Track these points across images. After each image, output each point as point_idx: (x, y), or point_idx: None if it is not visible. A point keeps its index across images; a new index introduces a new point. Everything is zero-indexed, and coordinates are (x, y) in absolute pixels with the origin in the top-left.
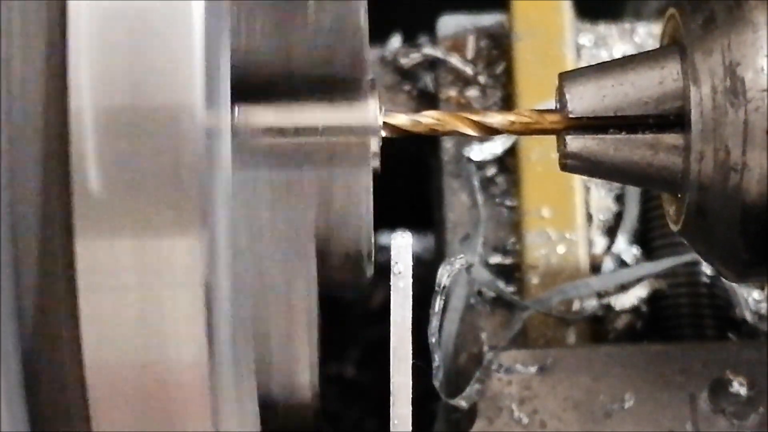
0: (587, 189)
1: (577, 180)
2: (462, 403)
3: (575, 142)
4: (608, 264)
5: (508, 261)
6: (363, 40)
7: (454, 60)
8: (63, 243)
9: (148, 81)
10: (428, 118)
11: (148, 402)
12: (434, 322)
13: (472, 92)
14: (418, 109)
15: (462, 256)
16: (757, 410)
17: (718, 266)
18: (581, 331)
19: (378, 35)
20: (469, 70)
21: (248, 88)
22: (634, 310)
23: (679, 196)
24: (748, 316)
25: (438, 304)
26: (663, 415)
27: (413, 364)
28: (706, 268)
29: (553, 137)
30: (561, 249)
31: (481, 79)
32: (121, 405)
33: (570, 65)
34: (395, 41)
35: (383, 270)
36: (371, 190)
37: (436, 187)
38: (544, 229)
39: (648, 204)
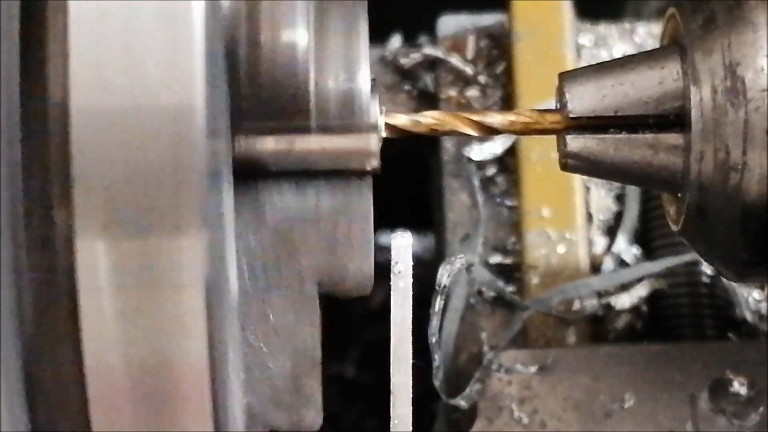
0: (587, 189)
1: (577, 180)
2: (462, 403)
3: (575, 142)
4: (608, 264)
5: (508, 261)
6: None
7: (454, 60)
8: (63, 243)
9: (148, 81)
10: (428, 118)
11: (148, 402)
12: (434, 322)
13: (472, 92)
14: (418, 109)
15: (462, 256)
16: (757, 410)
17: (718, 266)
18: (581, 331)
19: (378, 35)
20: (469, 70)
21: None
22: (634, 310)
23: (679, 196)
24: (748, 316)
25: (438, 304)
26: (663, 415)
27: (413, 364)
28: (706, 268)
29: (553, 137)
30: (561, 249)
31: (481, 79)
32: (121, 405)
33: (570, 65)
34: (395, 41)
35: (383, 270)
36: (372, 217)
37: (436, 187)
38: (544, 229)
39: (648, 204)
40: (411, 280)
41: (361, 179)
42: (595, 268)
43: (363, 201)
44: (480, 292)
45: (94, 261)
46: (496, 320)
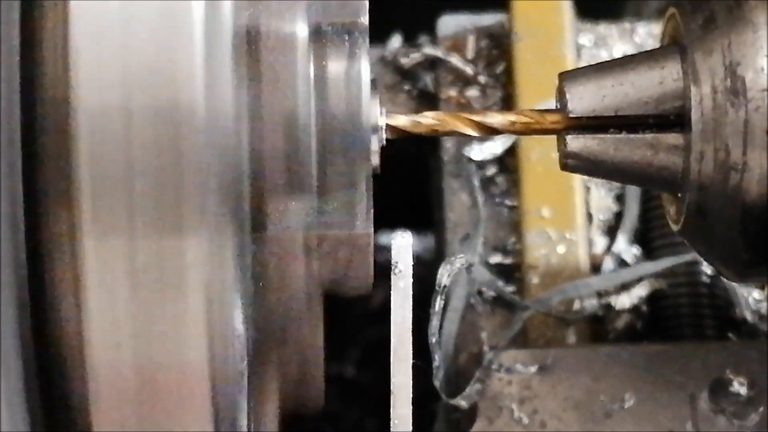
0: (587, 189)
1: (577, 180)
2: (462, 403)
3: (575, 142)
4: (608, 264)
5: (508, 261)
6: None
7: (454, 60)
8: (64, 243)
9: (148, 81)
10: (428, 118)
11: (148, 402)
12: (434, 322)
13: (472, 92)
14: (418, 109)
15: (462, 256)
16: (757, 410)
17: (718, 266)
18: (581, 331)
19: (378, 35)
20: (469, 70)
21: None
22: (634, 310)
23: (679, 196)
24: (748, 316)
25: (438, 304)
26: (663, 415)
27: (413, 364)
28: (706, 268)
29: (553, 137)
30: (561, 249)
31: (481, 79)
32: (121, 405)
33: (570, 65)
34: (395, 41)
35: (383, 270)
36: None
37: (436, 187)
38: (544, 229)
39: (648, 204)
40: (411, 280)
41: (361, 180)
42: (595, 268)
43: (363, 201)
44: (480, 292)
45: (95, 261)
46: (496, 320)
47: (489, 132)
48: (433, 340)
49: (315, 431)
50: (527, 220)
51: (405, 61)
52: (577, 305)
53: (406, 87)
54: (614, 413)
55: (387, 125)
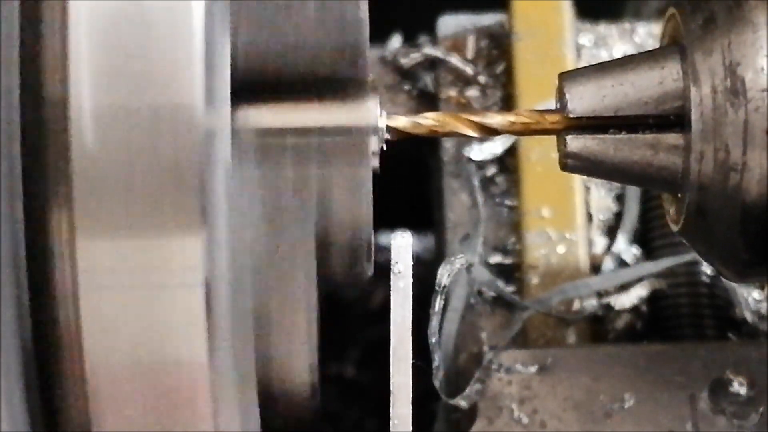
0: (587, 189)
1: (577, 180)
2: (462, 403)
3: (575, 142)
4: (608, 264)
5: (508, 261)
6: (364, 38)
7: (454, 60)
8: (64, 243)
9: (148, 81)
10: (428, 119)
11: (148, 402)
12: (434, 322)
13: (472, 92)
14: (418, 109)
15: (462, 256)
16: (757, 410)
17: (718, 266)
18: (581, 331)
19: (378, 35)
20: (469, 70)
21: (247, 88)
22: (634, 310)
23: (679, 196)
24: (748, 316)
25: (438, 304)
26: (663, 415)
27: (413, 364)
28: (706, 268)
29: (553, 137)
30: (561, 249)
31: (481, 79)
32: (121, 405)
33: (570, 65)
34: (395, 41)
35: (383, 270)
36: (371, 189)
37: (436, 187)
38: (544, 229)
39: (648, 204)
40: (411, 280)
41: (361, 148)
42: (595, 268)
43: (363, 200)
44: (480, 292)
45: (94, 261)
46: (496, 320)
47: (489, 132)
48: (433, 340)
49: (315, 431)
50: (527, 220)
51: (405, 61)
52: (577, 305)
53: (406, 87)
54: (614, 413)
55: (387, 127)
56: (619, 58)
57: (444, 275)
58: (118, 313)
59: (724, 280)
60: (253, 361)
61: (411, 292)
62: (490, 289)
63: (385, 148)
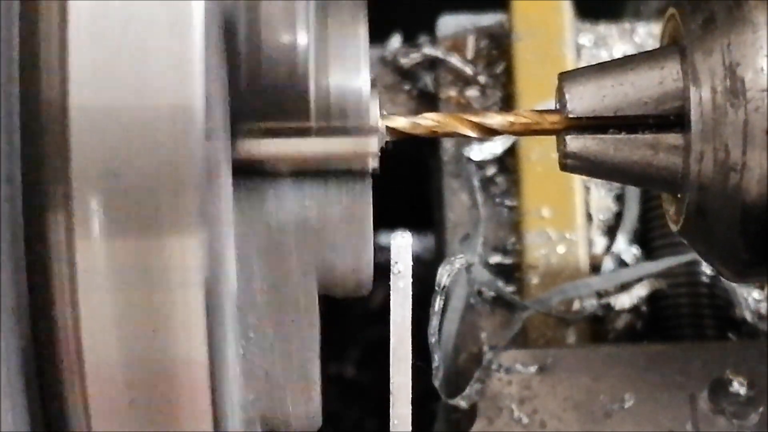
0: (587, 189)
1: (577, 180)
2: (462, 403)
3: (575, 142)
4: (608, 264)
5: (508, 261)
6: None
7: (454, 60)
8: (63, 243)
9: (148, 81)
10: (428, 120)
11: (148, 402)
12: (434, 322)
13: (472, 92)
14: (418, 109)
15: (462, 256)
16: (757, 410)
17: (718, 266)
18: (581, 331)
19: (378, 35)
20: (469, 70)
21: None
22: (634, 310)
23: (679, 196)
24: (748, 316)
25: (438, 304)
26: (663, 415)
27: (413, 364)
28: (706, 268)
29: (553, 137)
30: (561, 249)
31: (481, 79)
32: (121, 405)
33: (570, 65)
34: (395, 41)
35: (383, 270)
36: (371, 219)
37: (436, 187)
38: (544, 229)
39: (648, 204)
40: (411, 280)
41: (361, 180)
42: (595, 268)
43: (363, 201)
44: (480, 292)
45: (94, 261)
46: (496, 320)
47: (488, 133)
48: (433, 340)
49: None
50: (527, 220)
51: (405, 61)
52: (577, 305)
53: (406, 87)
54: (614, 413)
55: (387, 127)
56: (619, 58)
57: (444, 275)
58: (118, 313)
59: (724, 280)
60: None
61: (411, 292)
62: (490, 289)
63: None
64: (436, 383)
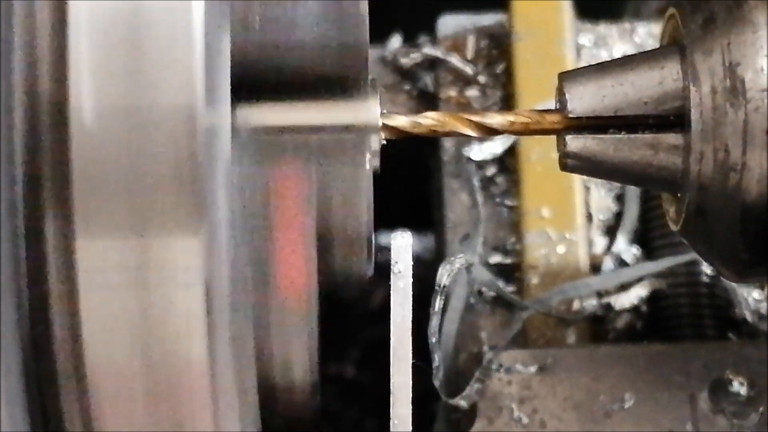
0: (587, 189)
1: (577, 180)
2: (462, 403)
3: (575, 142)
4: (608, 264)
5: (508, 261)
6: (364, 35)
7: (454, 60)
8: (63, 243)
9: (148, 81)
10: (428, 119)
11: (148, 401)
12: (434, 322)
13: (472, 92)
14: (418, 109)
15: (462, 256)
16: (757, 410)
17: (718, 266)
18: (581, 331)
19: (378, 35)
20: (469, 70)
21: (248, 86)
22: (634, 310)
23: (679, 196)
24: (748, 316)
25: (438, 304)
26: (663, 415)
27: (413, 364)
28: (706, 268)
29: (553, 137)
30: (561, 249)
31: (481, 79)
32: (121, 404)
33: (570, 65)
34: (395, 41)
35: (383, 270)
36: (371, 187)
37: (436, 187)
38: (544, 229)
39: (648, 204)
40: (411, 280)
41: (361, 178)
42: (595, 268)
43: (363, 200)
44: (480, 292)
45: (94, 260)
46: (496, 320)
47: (488, 132)
48: (433, 340)
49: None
50: (527, 220)
51: (405, 61)
52: (577, 305)
53: (406, 87)
54: (614, 413)
55: (387, 126)
56: (619, 58)
57: (444, 275)
58: (118, 313)
59: (724, 280)
60: (253, 360)
61: (411, 292)
62: (490, 289)
63: (384, 144)
64: (436, 383)
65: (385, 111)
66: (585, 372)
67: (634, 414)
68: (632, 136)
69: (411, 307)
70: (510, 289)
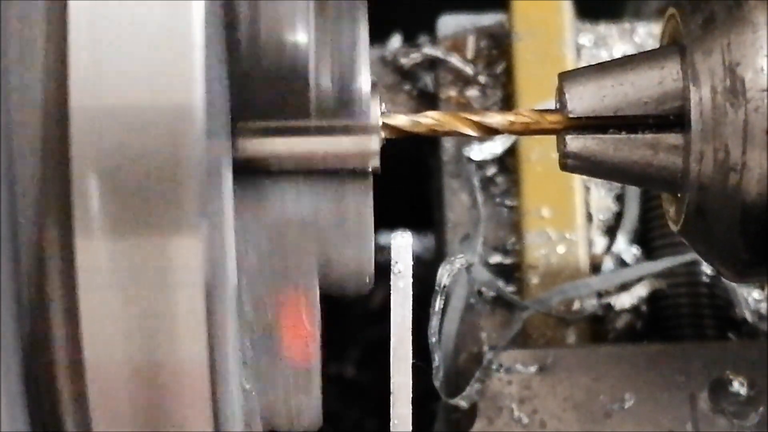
0: (587, 189)
1: (577, 180)
2: (462, 403)
3: (575, 142)
4: (608, 264)
5: (508, 261)
6: (365, 74)
7: (454, 60)
8: (63, 243)
9: (148, 81)
10: (428, 118)
11: (148, 402)
12: (434, 322)
13: (472, 92)
14: (418, 109)
15: (462, 256)
16: (757, 410)
17: (718, 266)
18: (581, 331)
19: (378, 35)
20: (469, 70)
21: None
22: (634, 310)
23: (679, 196)
24: (748, 316)
25: (438, 304)
26: (663, 415)
27: (413, 364)
28: (706, 268)
29: (553, 137)
30: (561, 249)
31: (481, 79)
32: (121, 405)
33: (570, 65)
34: (395, 41)
35: (383, 270)
36: (372, 215)
37: (436, 187)
38: (544, 229)
39: (648, 204)
40: (411, 280)
41: (361, 179)
42: (595, 268)
43: (363, 201)
44: (480, 292)
45: (94, 261)
46: (496, 320)
47: (488, 132)
48: (433, 340)
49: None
50: (527, 220)
51: (405, 61)
52: (577, 305)
53: (406, 87)
54: (614, 413)
55: (387, 125)
56: (619, 58)
57: (444, 275)
58: (118, 313)
59: (724, 280)
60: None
61: (411, 292)
62: (490, 289)
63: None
64: (436, 383)
65: (385, 109)
66: (585, 372)
67: (634, 414)
68: (632, 136)
69: (411, 307)
70: (510, 289)
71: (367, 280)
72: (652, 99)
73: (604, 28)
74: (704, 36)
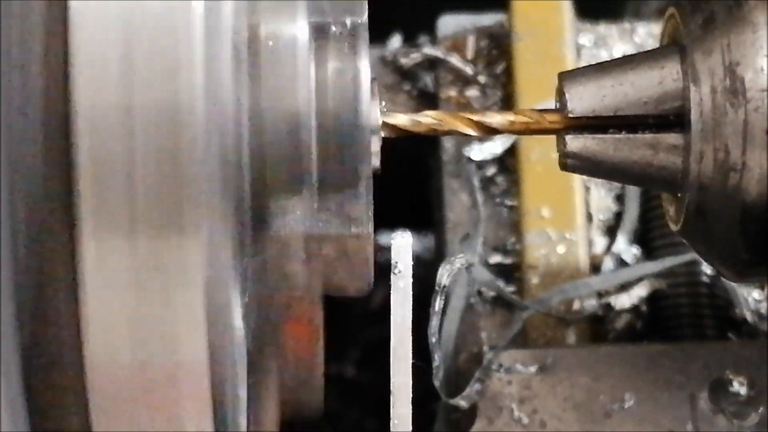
0: (587, 189)
1: (577, 180)
2: (462, 403)
3: (575, 142)
4: (608, 264)
5: (508, 261)
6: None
7: (454, 60)
8: (64, 243)
9: (149, 80)
10: (428, 118)
11: (148, 402)
12: (434, 322)
13: (472, 92)
14: (418, 109)
15: (462, 256)
16: (757, 410)
17: (718, 266)
18: (581, 331)
19: (378, 35)
20: (469, 70)
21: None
22: (634, 310)
23: (679, 196)
24: (748, 316)
25: (438, 304)
26: (663, 415)
27: (413, 364)
28: (706, 268)
29: (553, 137)
30: (561, 249)
31: (481, 79)
32: (121, 405)
33: (570, 65)
34: (395, 41)
35: (383, 270)
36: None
37: (436, 187)
38: (544, 229)
39: (648, 204)
40: (411, 280)
41: (361, 180)
42: (595, 268)
43: (363, 201)
44: (480, 292)
45: (95, 261)
46: (496, 320)
47: (489, 132)
48: (433, 340)
49: (315, 431)
50: (527, 220)
51: (405, 61)
52: (577, 305)
53: (406, 87)
54: (614, 413)
55: (387, 124)
56: (619, 58)
57: (444, 275)
58: (119, 313)
59: (724, 280)
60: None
61: (411, 292)
62: (490, 289)
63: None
64: (436, 383)
65: (384, 103)
66: (585, 372)
67: (634, 414)
68: (632, 136)
69: (411, 307)
70: (510, 289)
71: (367, 283)
72: (652, 99)
73: (604, 28)
74: (704, 36)
